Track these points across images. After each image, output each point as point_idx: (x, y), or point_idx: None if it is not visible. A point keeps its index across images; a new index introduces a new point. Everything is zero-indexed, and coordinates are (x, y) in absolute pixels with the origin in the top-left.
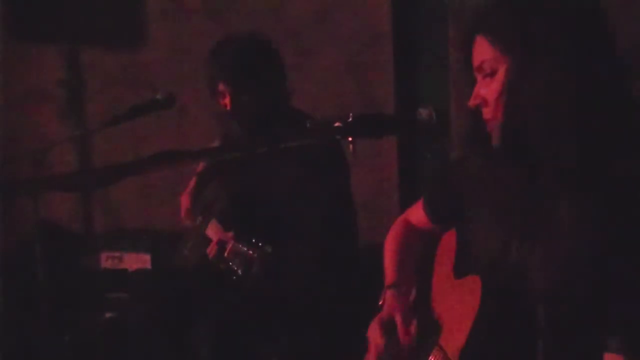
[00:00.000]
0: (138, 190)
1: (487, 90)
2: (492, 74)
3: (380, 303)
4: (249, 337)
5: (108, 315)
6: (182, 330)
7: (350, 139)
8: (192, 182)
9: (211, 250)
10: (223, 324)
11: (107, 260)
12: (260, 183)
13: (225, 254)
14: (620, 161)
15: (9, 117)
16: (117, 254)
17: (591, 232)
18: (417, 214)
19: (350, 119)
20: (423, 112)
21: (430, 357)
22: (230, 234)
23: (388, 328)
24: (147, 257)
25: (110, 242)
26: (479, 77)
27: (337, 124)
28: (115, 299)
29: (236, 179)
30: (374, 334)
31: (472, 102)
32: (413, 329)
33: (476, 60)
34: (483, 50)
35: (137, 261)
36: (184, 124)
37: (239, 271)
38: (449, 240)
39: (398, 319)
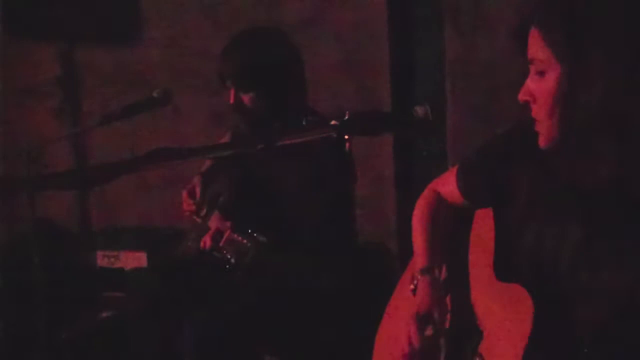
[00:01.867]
0: (134, 188)
1: (537, 88)
2: (543, 73)
3: (411, 287)
4: (247, 334)
5: (105, 314)
6: (179, 328)
7: (347, 136)
8: (196, 179)
9: (207, 240)
10: (222, 321)
11: (103, 259)
12: (263, 178)
13: (221, 243)
14: None
15: (5, 114)
16: (113, 253)
17: None
18: (448, 185)
19: (347, 117)
20: (419, 110)
21: None
22: (229, 223)
23: (424, 323)
24: (143, 256)
25: (106, 240)
26: (531, 70)
27: (333, 122)
28: (111, 297)
29: (240, 173)
30: (411, 332)
31: (521, 97)
32: (447, 323)
33: (530, 52)
34: (536, 46)
35: (134, 260)
36: (180, 121)
37: (232, 259)
38: (483, 224)
39: (436, 315)
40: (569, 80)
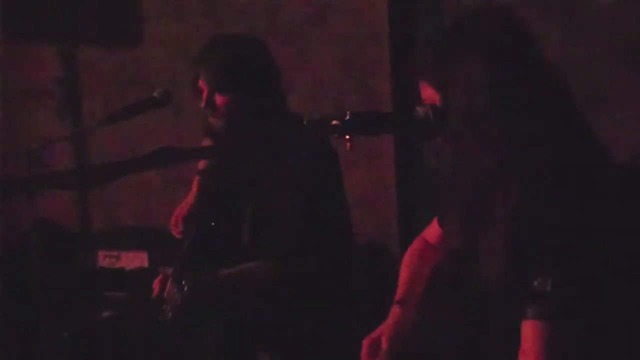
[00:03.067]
0: (135, 188)
1: None
2: None
3: None
4: (243, 331)
5: (106, 314)
6: (181, 329)
7: (347, 137)
8: (183, 212)
9: (155, 286)
10: (223, 322)
11: (104, 259)
12: (242, 182)
13: (165, 293)
14: (539, 155)
15: (6, 115)
16: (114, 253)
17: (516, 223)
18: (433, 229)
19: (348, 117)
20: (420, 110)
21: None
22: (169, 270)
23: (375, 347)
24: (144, 256)
25: (107, 240)
26: None
27: (334, 122)
28: (113, 297)
29: (216, 178)
30: (363, 347)
31: None
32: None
33: (422, 96)
34: (424, 89)
35: (135, 260)
36: (181, 121)
37: (169, 314)
38: None
39: (383, 342)
40: (443, 100)
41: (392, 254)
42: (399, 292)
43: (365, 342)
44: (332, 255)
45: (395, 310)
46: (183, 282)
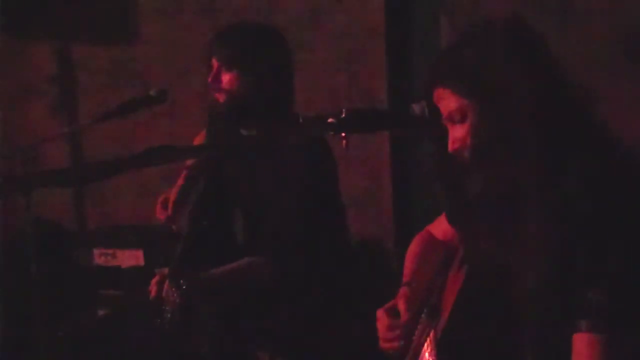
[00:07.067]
0: (131, 186)
1: (464, 130)
2: (463, 119)
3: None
4: (246, 333)
5: (101, 312)
6: (177, 328)
7: (343, 134)
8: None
9: (152, 287)
10: (220, 320)
11: (100, 257)
12: (237, 179)
13: (163, 294)
14: (575, 171)
15: (1, 113)
16: (110, 251)
17: (557, 232)
18: (440, 225)
19: (344, 115)
20: (416, 108)
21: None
22: (165, 270)
23: (392, 312)
24: (140, 254)
25: (103, 238)
26: (450, 124)
27: (330, 120)
28: (108, 296)
29: (209, 175)
30: (380, 317)
31: (453, 147)
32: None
33: (445, 110)
34: (449, 101)
35: (130, 258)
36: (176, 119)
37: (168, 315)
38: None
39: (401, 305)
40: (480, 110)
41: (389, 251)
42: (404, 275)
43: (379, 311)
44: (328, 254)
45: (401, 290)
46: (181, 281)
